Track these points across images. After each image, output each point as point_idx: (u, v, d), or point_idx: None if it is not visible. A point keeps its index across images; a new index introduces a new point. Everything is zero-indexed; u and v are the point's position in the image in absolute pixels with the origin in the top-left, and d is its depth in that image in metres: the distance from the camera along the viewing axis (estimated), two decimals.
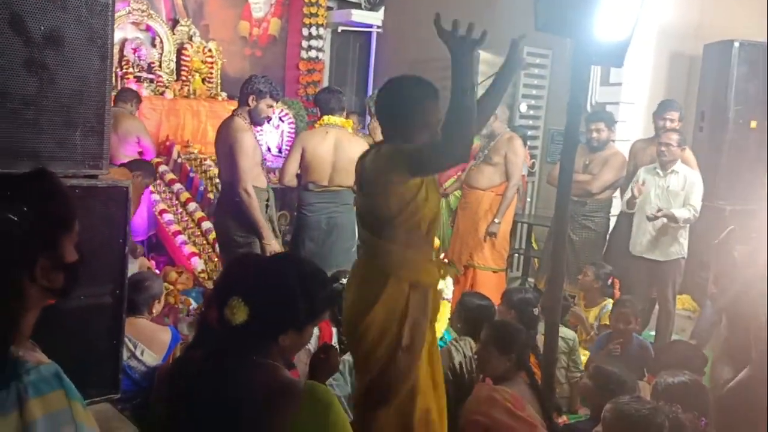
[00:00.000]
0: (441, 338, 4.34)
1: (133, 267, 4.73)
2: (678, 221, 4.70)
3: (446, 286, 4.56)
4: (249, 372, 1.62)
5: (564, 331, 3.81)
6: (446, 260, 4.77)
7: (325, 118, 4.70)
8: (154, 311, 3.41)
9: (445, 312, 4.40)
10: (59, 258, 1.27)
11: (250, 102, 4.18)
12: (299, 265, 1.81)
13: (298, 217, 4.75)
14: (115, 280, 2.39)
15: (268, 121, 4.71)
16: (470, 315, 3.63)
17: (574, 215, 5.16)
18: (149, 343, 3.21)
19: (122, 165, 4.96)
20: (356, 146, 4.72)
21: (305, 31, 8.64)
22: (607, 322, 4.40)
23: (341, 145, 4.61)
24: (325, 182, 4.61)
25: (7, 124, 2.12)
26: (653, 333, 5.14)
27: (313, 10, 8.58)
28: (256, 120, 4.24)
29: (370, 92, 9.01)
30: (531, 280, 6.13)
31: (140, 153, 5.94)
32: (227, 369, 1.61)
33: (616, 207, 5.50)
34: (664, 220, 4.73)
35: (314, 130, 4.83)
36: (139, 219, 5.44)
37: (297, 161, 4.60)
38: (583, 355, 4.12)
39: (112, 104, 5.71)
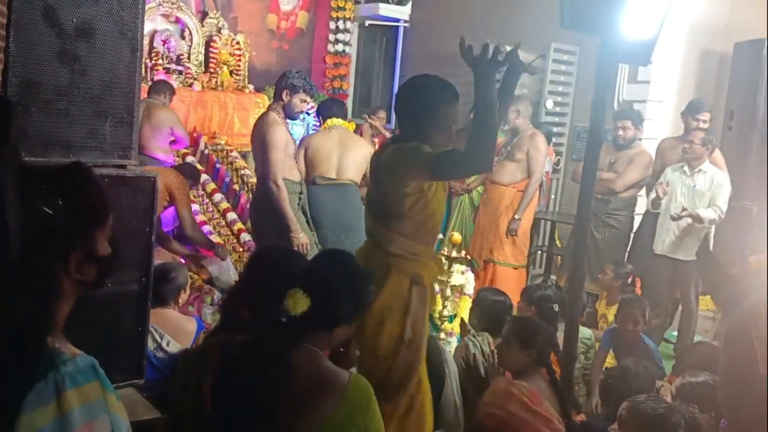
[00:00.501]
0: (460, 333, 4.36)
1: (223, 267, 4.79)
2: (703, 221, 4.66)
3: (468, 282, 4.58)
4: (301, 360, 1.69)
5: (582, 331, 3.79)
6: (467, 256, 4.78)
7: (329, 121, 4.82)
8: (180, 301, 3.46)
9: (465, 307, 4.42)
10: (92, 251, 1.29)
11: (284, 96, 4.26)
12: (350, 260, 1.95)
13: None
14: (142, 268, 2.44)
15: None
16: (487, 311, 3.64)
17: (597, 213, 5.14)
18: (175, 333, 3.25)
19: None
20: (360, 144, 4.89)
21: (332, 25, 8.69)
22: None
23: (345, 141, 4.72)
24: (333, 174, 4.66)
25: (40, 114, 2.18)
26: (676, 333, 5.11)
27: (341, 3, 8.61)
28: (289, 114, 4.32)
29: (396, 86, 9.02)
30: (553, 277, 6.11)
31: (172, 142, 6.03)
32: (279, 356, 1.67)
33: (641, 206, 5.46)
34: (689, 219, 4.69)
35: (317, 132, 5.00)
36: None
37: (301, 160, 4.66)
38: None
39: (146, 96, 5.88)
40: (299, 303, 1.66)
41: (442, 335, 4.42)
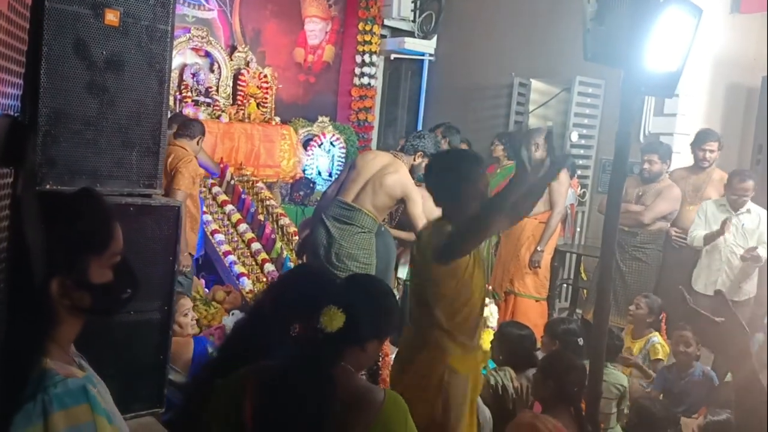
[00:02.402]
0: (484, 367, 4.30)
1: None
2: (761, 261, 4.58)
3: (491, 314, 4.54)
4: (337, 377, 1.73)
5: (615, 376, 3.70)
6: (489, 287, 4.74)
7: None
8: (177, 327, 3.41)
9: (488, 339, 4.37)
10: (82, 278, 1.28)
11: (416, 158, 4.35)
12: (378, 280, 2.06)
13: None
14: (164, 296, 2.46)
15: None
16: (512, 346, 3.59)
17: (624, 246, 5.09)
18: (172, 359, 3.22)
19: (178, 136, 5.12)
20: None
21: (358, 58, 8.78)
22: (655, 356, 4.30)
23: None
24: None
25: (69, 143, 2.22)
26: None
27: (367, 38, 8.71)
28: (413, 174, 4.38)
29: (420, 118, 9.06)
30: (579, 311, 6.03)
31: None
32: (322, 374, 1.71)
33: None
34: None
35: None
36: (194, 236, 5.54)
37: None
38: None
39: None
40: (335, 319, 1.71)
41: None
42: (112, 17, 2.22)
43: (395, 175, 4.24)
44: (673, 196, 5.16)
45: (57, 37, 2.12)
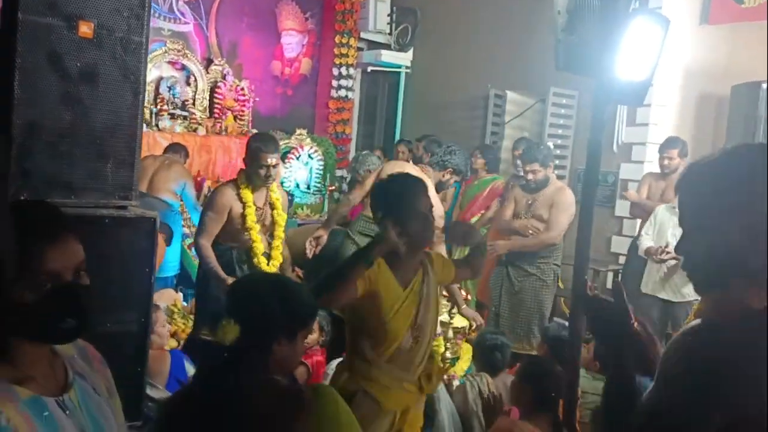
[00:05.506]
0: (463, 376, 4.33)
1: None
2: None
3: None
4: (254, 389, 1.67)
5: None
6: (469, 297, 4.77)
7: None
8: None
9: (468, 349, 4.40)
10: None
11: (445, 174, 4.50)
12: (267, 277, 2.14)
13: None
14: (141, 308, 2.45)
15: None
16: (485, 352, 3.62)
17: (521, 265, 5.03)
18: (149, 373, 3.17)
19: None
20: None
21: (335, 71, 8.81)
22: None
23: None
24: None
25: (43, 156, 2.22)
26: None
27: (344, 51, 8.75)
28: (437, 189, 4.44)
29: (398, 130, 9.11)
30: (557, 318, 6.07)
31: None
32: (233, 391, 1.63)
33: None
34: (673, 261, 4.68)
35: None
36: (171, 254, 5.51)
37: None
38: None
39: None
40: (228, 332, 1.71)
41: (445, 377, 4.39)
42: (86, 29, 2.23)
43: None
44: (569, 202, 4.91)
45: (31, 49, 2.13)
